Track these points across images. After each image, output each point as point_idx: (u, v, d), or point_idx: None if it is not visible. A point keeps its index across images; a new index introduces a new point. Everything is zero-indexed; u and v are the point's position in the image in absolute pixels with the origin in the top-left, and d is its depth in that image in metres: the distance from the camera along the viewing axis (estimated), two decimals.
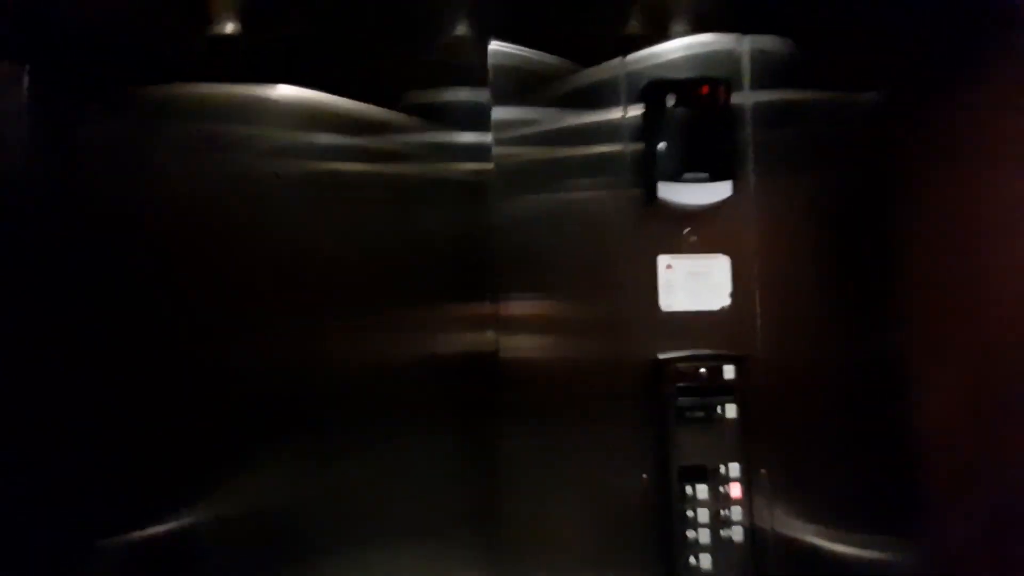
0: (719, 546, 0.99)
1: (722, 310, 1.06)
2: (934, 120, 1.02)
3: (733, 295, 1.06)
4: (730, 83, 1.05)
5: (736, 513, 1.01)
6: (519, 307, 1.06)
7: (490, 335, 1.05)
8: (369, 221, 1.08)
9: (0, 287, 0.99)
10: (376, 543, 1.03)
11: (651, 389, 1.04)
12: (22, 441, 0.97)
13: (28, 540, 0.96)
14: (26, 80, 1.03)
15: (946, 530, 1.00)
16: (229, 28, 1.08)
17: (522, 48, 1.07)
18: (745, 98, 1.08)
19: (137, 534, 0.99)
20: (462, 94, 1.10)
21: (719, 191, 1.04)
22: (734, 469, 1.01)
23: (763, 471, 1.04)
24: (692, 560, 0.98)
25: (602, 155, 1.08)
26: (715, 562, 0.99)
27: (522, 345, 1.05)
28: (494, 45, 1.06)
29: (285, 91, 1.08)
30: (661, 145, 1.04)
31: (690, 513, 1.00)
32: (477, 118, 1.08)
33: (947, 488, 1.01)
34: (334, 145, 1.08)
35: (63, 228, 1.03)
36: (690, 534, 0.99)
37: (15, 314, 0.99)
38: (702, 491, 1.00)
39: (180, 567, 1.01)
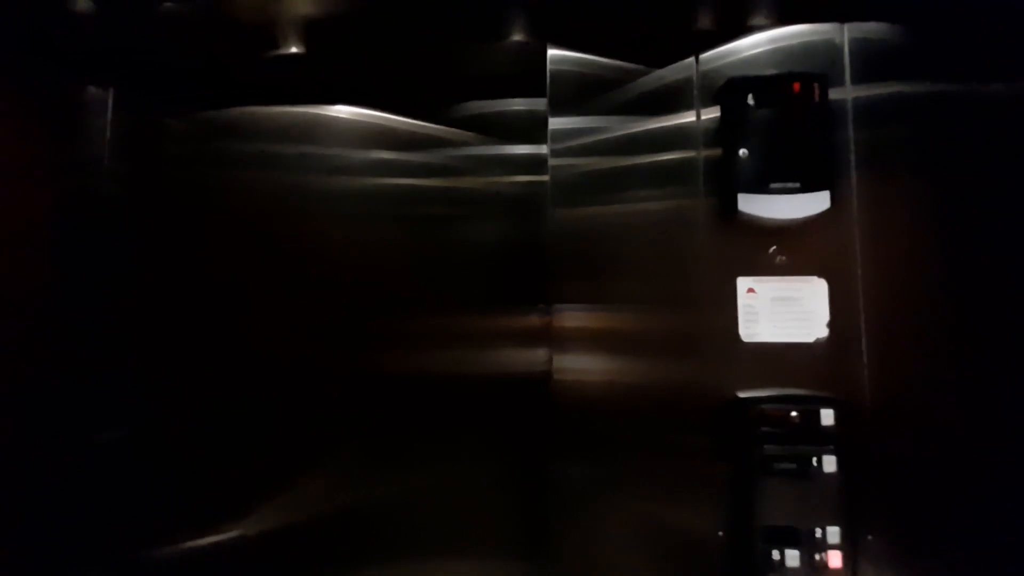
0: None
1: (817, 343, 0.91)
2: None
3: (831, 325, 0.91)
4: (827, 78, 0.92)
5: None
6: (574, 324, 0.99)
7: (543, 354, 1.00)
8: (423, 235, 1.08)
9: (71, 296, 1.06)
10: (412, 560, 1.02)
11: (730, 431, 0.91)
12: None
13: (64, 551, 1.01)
14: (110, 103, 1.12)
15: None
16: (292, 49, 1.10)
17: (582, 53, 1.01)
18: (845, 94, 0.94)
19: (176, 546, 1.03)
20: (518, 105, 1.05)
21: (814, 203, 0.90)
22: (833, 534, 0.86)
23: (870, 537, 0.88)
24: None
25: (672, 163, 0.99)
26: None
27: (578, 366, 0.98)
28: (552, 51, 1.01)
29: (344, 110, 1.10)
30: (742, 151, 0.92)
31: None
32: (533, 129, 1.03)
33: None
34: (389, 161, 1.08)
35: (136, 237, 1.10)
36: None
37: (78, 324, 1.06)
38: (792, 557, 0.86)
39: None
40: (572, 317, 0.98)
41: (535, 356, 1.01)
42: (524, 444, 1.01)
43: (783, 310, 0.93)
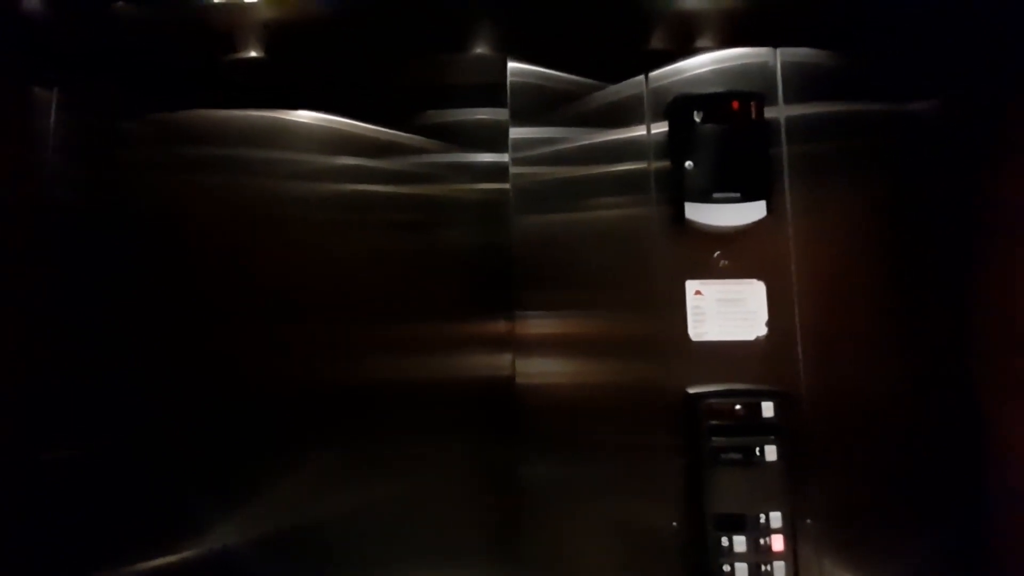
0: None
1: (758, 340, 0.98)
2: (1000, 129, 0.93)
3: (770, 324, 0.98)
4: (763, 97, 0.99)
5: (779, 569, 0.90)
6: (537, 329, 1.01)
7: (507, 359, 1.01)
8: (386, 241, 1.08)
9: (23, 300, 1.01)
10: (390, 563, 1.03)
11: (681, 425, 0.96)
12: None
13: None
14: (54, 105, 1.07)
15: None
16: (252, 54, 1.10)
17: (541, 67, 1.05)
18: (779, 112, 1.02)
19: (160, 554, 1.02)
20: (480, 115, 1.09)
21: (752, 212, 0.97)
22: (776, 519, 0.91)
23: (808, 521, 0.94)
24: None
25: (625, 174, 1.03)
26: None
27: (540, 370, 1.00)
28: (513, 64, 1.04)
29: (305, 116, 1.09)
30: (688, 163, 0.98)
31: (727, 567, 0.90)
32: (495, 138, 1.06)
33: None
34: (351, 167, 1.09)
35: (85, 246, 1.06)
36: None
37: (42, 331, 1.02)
38: (739, 543, 0.91)
39: None
40: (534, 322, 1.01)
41: (499, 360, 1.03)
42: (490, 446, 1.03)
43: (727, 311, 0.99)
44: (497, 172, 1.06)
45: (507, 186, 1.03)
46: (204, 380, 1.05)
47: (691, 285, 1.00)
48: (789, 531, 0.91)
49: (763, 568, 0.90)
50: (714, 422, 0.93)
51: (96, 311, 1.05)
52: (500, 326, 1.04)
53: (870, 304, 1.00)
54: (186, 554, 1.01)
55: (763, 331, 0.98)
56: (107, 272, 1.06)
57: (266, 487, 1.03)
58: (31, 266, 1.02)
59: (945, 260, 1.00)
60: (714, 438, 0.93)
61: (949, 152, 1.02)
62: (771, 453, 0.92)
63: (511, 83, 1.04)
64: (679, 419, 0.96)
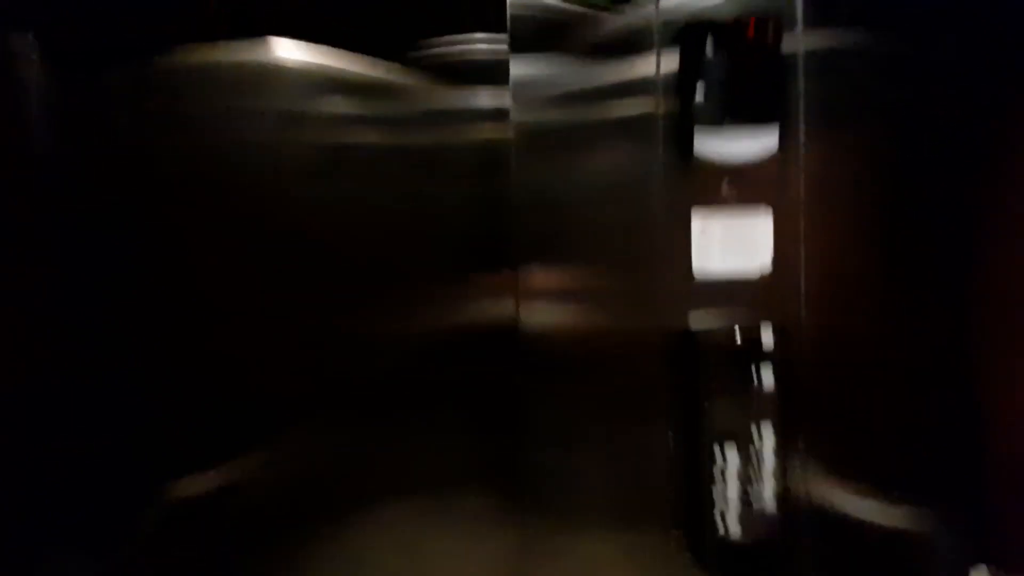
0: (749, 513, 0.98)
1: (762, 274, 1.00)
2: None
3: (775, 258, 0.99)
4: (781, 22, 0.93)
5: (768, 482, 0.99)
6: (540, 273, 1.02)
7: (510, 305, 1.03)
8: (380, 191, 1.04)
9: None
10: (400, 503, 1.08)
11: (684, 360, 1.00)
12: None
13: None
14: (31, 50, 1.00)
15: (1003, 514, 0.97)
16: None
17: None
18: (797, 42, 0.96)
19: (174, 494, 1.05)
20: (479, 44, 1.01)
21: (763, 144, 0.95)
22: (768, 437, 0.98)
23: (800, 441, 1.01)
24: (720, 528, 0.98)
25: (632, 110, 0.99)
26: (743, 529, 0.98)
27: (544, 314, 1.02)
28: None
29: (292, 48, 1.01)
30: (699, 93, 0.94)
31: (720, 481, 0.98)
32: (495, 73, 1.00)
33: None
34: (345, 113, 1.03)
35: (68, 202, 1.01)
36: (718, 502, 0.98)
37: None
38: (733, 459, 0.98)
39: (213, 526, 1.07)
40: (538, 267, 1.01)
41: (503, 308, 1.03)
42: (496, 390, 1.06)
43: (733, 244, 1.00)
44: (496, 114, 1.01)
45: (508, 127, 1.00)
46: (193, 345, 1.04)
47: (697, 220, 0.99)
48: (780, 449, 0.98)
49: (754, 482, 0.99)
50: (714, 354, 0.98)
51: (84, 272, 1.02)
52: (503, 273, 1.03)
53: (874, 242, 1.01)
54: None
55: (768, 264, 1.00)
56: (86, 226, 1.02)
57: (269, 446, 1.05)
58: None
59: (955, 209, 1.00)
60: (714, 368, 0.98)
61: (975, 101, 0.97)
62: (768, 381, 0.97)
63: (511, 13, 0.97)
64: (682, 354, 1.00)
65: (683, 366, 1.00)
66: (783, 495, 0.99)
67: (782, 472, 0.99)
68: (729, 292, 1.00)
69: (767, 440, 0.99)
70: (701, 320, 1.00)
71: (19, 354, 1.01)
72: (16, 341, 1.01)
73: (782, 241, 0.99)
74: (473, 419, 1.08)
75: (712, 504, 0.98)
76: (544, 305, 1.02)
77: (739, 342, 0.98)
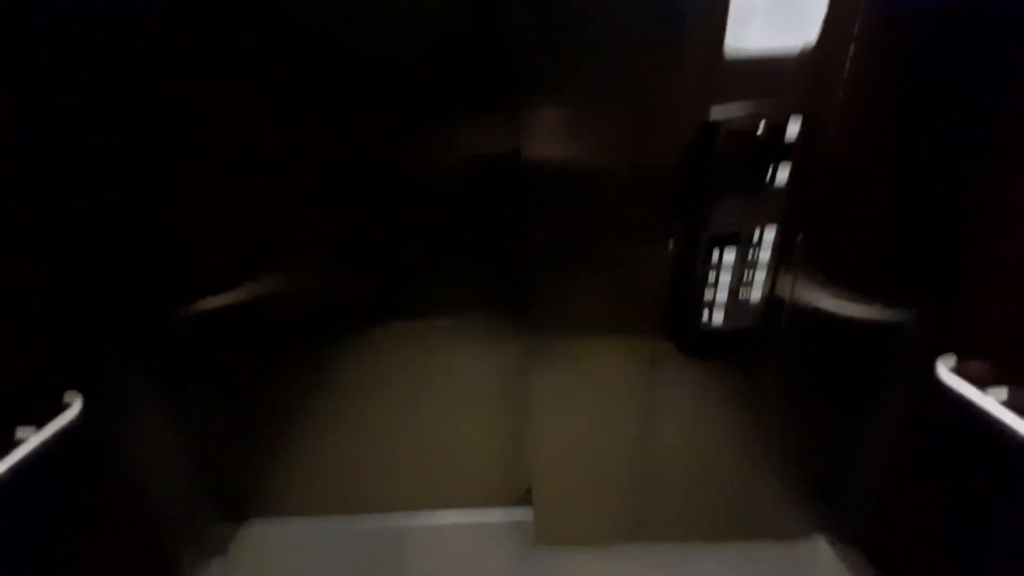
0: (734, 305, 1.01)
1: (804, 52, 0.85)
2: None
3: (823, 31, 0.83)
4: None
5: (759, 275, 0.99)
6: (544, 90, 0.88)
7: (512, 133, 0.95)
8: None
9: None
10: (417, 320, 1.23)
11: (698, 154, 0.92)
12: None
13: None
14: None
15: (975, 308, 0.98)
16: None
17: None
18: None
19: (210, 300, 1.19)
20: None
21: None
22: (769, 233, 0.96)
23: (800, 236, 0.98)
24: (704, 317, 1.02)
25: None
26: (726, 318, 1.02)
27: (545, 140, 0.92)
28: None
29: None
30: None
31: (712, 276, 0.99)
32: None
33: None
34: None
35: None
36: (708, 294, 1.00)
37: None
38: (729, 255, 0.97)
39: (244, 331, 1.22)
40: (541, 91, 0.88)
41: (505, 136, 0.98)
42: (500, 214, 1.08)
43: (778, 11, 0.83)
44: None
45: None
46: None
47: None
48: (778, 245, 0.96)
49: (745, 275, 0.99)
50: (731, 147, 0.89)
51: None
52: (507, 104, 0.96)
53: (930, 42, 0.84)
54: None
55: (813, 37, 0.84)
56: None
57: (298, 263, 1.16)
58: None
59: None
60: (728, 163, 0.90)
61: None
62: (783, 176, 0.91)
63: None
64: (696, 151, 0.91)
65: (698, 163, 0.92)
66: (770, 291, 1.00)
67: (774, 270, 0.99)
68: (761, 79, 0.86)
69: (766, 240, 0.96)
70: (724, 113, 0.89)
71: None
72: None
73: (836, 11, 0.82)
74: (482, 240, 1.12)
75: (700, 298, 1.00)
76: (545, 128, 0.91)
77: (761, 133, 0.88)
